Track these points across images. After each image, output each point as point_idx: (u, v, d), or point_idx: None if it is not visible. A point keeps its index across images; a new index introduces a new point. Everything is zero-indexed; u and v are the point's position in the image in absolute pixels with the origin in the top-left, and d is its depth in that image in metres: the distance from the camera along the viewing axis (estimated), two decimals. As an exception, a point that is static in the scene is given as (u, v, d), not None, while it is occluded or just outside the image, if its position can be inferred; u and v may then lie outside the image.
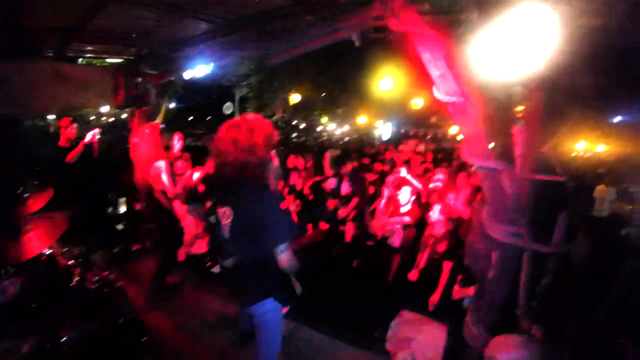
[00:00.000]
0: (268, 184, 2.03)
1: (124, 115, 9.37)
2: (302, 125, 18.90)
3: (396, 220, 4.65)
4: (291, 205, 5.88)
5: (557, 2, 1.64)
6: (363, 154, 9.66)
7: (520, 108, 2.07)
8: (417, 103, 10.33)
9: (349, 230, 5.44)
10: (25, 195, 2.97)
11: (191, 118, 18.96)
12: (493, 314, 2.07)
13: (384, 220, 4.78)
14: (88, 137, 4.99)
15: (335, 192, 5.83)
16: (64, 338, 2.24)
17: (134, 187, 5.23)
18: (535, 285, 1.97)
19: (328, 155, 6.62)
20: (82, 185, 4.78)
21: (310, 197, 6.30)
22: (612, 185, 7.88)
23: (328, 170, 6.36)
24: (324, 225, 5.63)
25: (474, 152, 1.91)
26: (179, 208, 4.22)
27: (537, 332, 1.91)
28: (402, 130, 17.27)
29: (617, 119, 6.07)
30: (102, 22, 4.22)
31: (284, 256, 1.96)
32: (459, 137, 2.01)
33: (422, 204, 4.80)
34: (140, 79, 5.31)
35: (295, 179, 6.41)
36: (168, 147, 4.60)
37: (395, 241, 4.63)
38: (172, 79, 5.95)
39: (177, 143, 4.72)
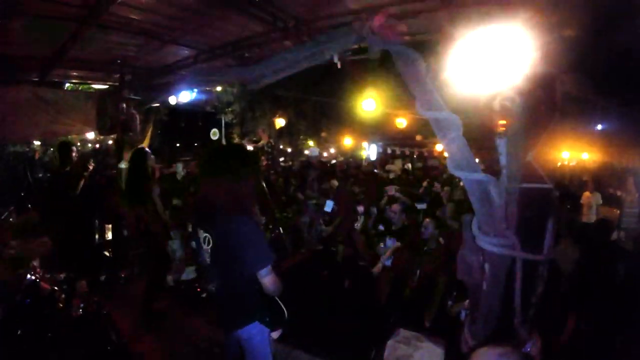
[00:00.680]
0: (245, 208, 2.01)
1: (109, 142, 9.30)
2: (289, 150, 19.01)
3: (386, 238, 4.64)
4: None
5: (532, 15, 1.70)
6: (348, 174, 9.71)
7: (501, 121, 2.11)
8: (401, 122, 10.48)
9: (340, 250, 5.40)
10: (8, 220, 2.89)
11: (178, 145, 18.95)
12: (489, 326, 2.04)
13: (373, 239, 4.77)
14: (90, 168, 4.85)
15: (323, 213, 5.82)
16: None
17: (120, 213, 5.12)
18: (530, 294, 1.96)
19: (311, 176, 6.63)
20: (67, 211, 4.67)
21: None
22: (596, 191, 8.03)
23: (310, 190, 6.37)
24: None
25: (459, 165, 1.93)
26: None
27: (536, 340, 1.89)
28: (389, 151, 17.47)
29: (599, 127, 6.26)
30: (81, 49, 4.25)
31: (267, 280, 1.92)
32: (445, 153, 2.02)
33: (413, 221, 4.81)
34: (124, 105, 5.30)
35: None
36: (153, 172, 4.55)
37: (387, 260, 4.60)
38: (157, 104, 5.96)
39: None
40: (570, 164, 14.82)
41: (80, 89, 6.79)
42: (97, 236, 5.77)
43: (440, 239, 4.21)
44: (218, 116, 13.31)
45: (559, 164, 11.59)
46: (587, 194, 8.06)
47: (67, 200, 4.52)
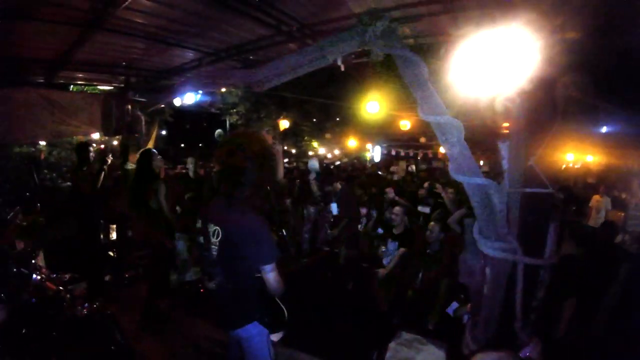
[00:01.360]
0: (253, 203, 2.02)
1: (115, 142, 9.39)
2: (293, 151, 19.06)
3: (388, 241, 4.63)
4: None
5: (534, 18, 1.70)
6: (352, 176, 9.73)
7: (504, 124, 2.11)
8: (405, 124, 10.48)
9: (342, 252, 5.40)
10: (14, 220, 2.92)
11: (182, 145, 19.08)
12: (490, 330, 2.04)
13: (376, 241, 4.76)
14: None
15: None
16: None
17: (125, 213, 5.16)
18: (531, 299, 1.95)
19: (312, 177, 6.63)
20: (72, 211, 4.71)
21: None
22: (607, 195, 7.92)
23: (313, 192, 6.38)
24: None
25: (461, 169, 1.93)
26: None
27: (537, 344, 1.89)
28: (393, 152, 17.47)
29: (604, 129, 6.22)
30: (88, 52, 4.30)
31: (271, 276, 1.92)
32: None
33: (416, 224, 4.80)
34: (129, 107, 5.34)
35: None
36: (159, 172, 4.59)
37: (386, 258, 4.60)
38: (162, 106, 6.00)
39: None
40: (575, 166, 14.74)
41: (86, 90, 6.86)
42: (102, 236, 5.83)
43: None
44: (223, 117, 13.45)
45: (563, 166, 11.52)
46: (597, 197, 7.93)
47: (78, 201, 4.57)
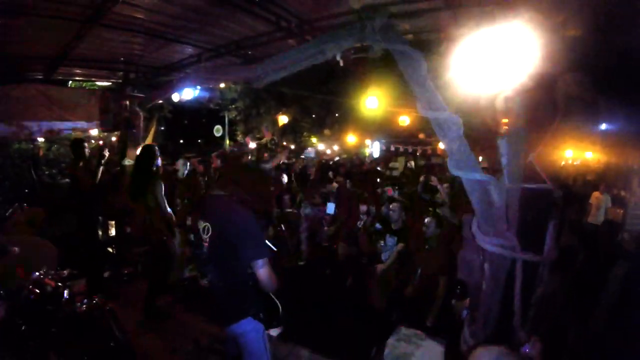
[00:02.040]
0: (243, 199, 2.02)
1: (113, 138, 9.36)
2: (292, 147, 19.05)
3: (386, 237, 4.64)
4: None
5: (535, 15, 1.69)
6: (351, 173, 9.69)
7: (503, 120, 2.11)
8: (404, 120, 10.46)
9: (341, 249, 5.41)
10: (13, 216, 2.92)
11: (182, 141, 19.02)
12: (489, 327, 2.04)
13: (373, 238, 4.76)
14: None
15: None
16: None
17: (123, 210, 5.16)
18: (530, 295, 1.96)
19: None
20: (71, 208, 4.71)
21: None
22: (607, 193, 7.92)
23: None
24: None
25: (460, 165, 1.93)
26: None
27: (535, 341, 1.89)
28: (392, 148, 17.43)
29: (603, 127, 6.20)
30: (86, 48, 4.27)
31: (262, 272, 1.92)
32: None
33: (413, 220, 4.80)
34: (127, 102, 5.33)
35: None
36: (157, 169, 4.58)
37: (385, 254, 4.60)
38: (160, 102, 5.98)
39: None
40: (575, 163, 14.75)
41: (84, 86, 6.83)
42: (100, 233, 5.83)
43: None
44: (222, 113, 13.41)
45: (562, 163, 11.52)
46: (597, 194, 7.94)
47: (77, 197, 4.57)
